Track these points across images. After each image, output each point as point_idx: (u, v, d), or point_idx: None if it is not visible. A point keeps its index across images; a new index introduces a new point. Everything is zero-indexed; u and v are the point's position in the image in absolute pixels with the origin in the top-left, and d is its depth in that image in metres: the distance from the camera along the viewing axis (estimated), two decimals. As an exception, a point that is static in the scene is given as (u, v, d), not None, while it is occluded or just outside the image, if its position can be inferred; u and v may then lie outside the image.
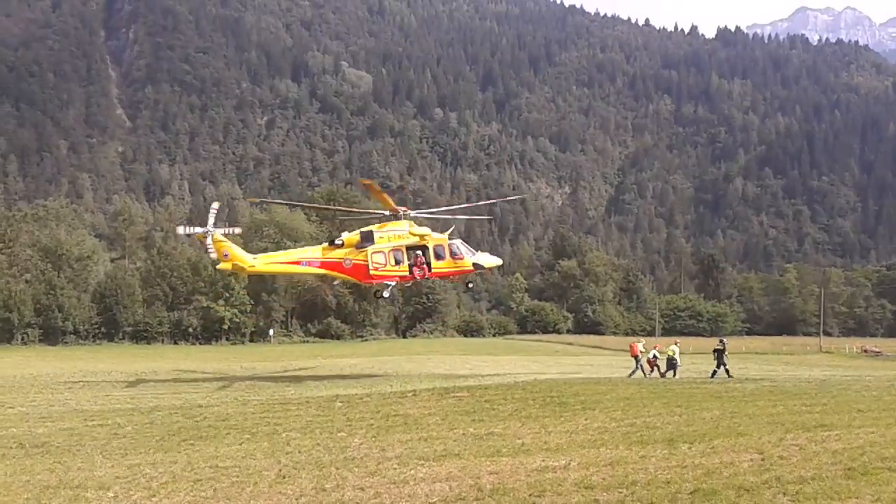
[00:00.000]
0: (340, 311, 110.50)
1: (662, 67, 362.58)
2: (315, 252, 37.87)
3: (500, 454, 16.29)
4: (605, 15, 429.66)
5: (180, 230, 38.50)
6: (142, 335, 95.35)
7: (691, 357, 54.70)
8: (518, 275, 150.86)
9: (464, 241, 39.79)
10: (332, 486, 13.93)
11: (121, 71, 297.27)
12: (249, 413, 24.41)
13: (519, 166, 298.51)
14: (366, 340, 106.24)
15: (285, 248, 54.28)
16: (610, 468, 14.62)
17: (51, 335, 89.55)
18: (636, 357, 39.85)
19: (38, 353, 74.97)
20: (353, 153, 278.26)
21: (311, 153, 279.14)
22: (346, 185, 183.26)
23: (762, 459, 15.09)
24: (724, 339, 41.08)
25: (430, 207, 38.91)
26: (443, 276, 40.15)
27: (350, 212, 48.79)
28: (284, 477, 14.68)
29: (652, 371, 38.99)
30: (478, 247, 45.75)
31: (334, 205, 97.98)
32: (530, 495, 12.96)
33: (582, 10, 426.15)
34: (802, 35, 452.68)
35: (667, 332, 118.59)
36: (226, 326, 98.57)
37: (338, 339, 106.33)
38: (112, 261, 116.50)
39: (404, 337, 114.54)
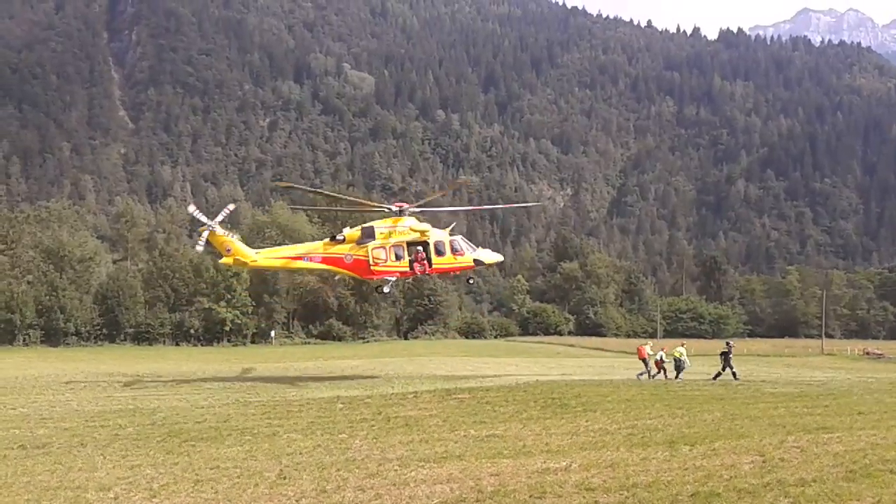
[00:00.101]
0: (342, 312, 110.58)
1: (665, 69, 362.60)
2: (317, 247, 37.93)
3: (501, 456, 16.29)
4: (608, 16, 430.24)
5: (191, 208, 38.43)
6: (143, 336, 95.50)
7: (692, 359, 54.65)
8: (520, 276, 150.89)
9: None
10: (332, 487, 13.93)
11: (123, 73, 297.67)
12: (250, 414, 24.41)
13: (521, 168, 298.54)
14: (367, 342, 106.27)
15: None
16: (611, 470, 14.62)
17: (52, 336, 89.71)
18: (644, 360, 39.78)
19: (40, 354, 75.02)
20: (356, 155, 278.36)
21: (313, 155, 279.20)
22: (349, 186, 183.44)
23: (763, 462, 15.08)
24: (731, 342, 41.11)
25: (436, 228, 38.81)
26: (444, 272, 40.13)
27: (358, 204, 48.74)
28: (285, 478, 14.68)
29: (659, 372, 38.95)
30: (480, 247, 45.74)
31: (336, 205, 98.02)
32: (531, 497, 12.96)
33: (584, 12, 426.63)
34: (805, 37, 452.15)
35: (668, 335, 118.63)
36: (227, 328, 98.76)
37: (339, 340, 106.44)
38: (114, 262, 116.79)
39: (406, 338, 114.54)
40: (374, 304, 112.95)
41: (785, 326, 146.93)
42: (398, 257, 36.62)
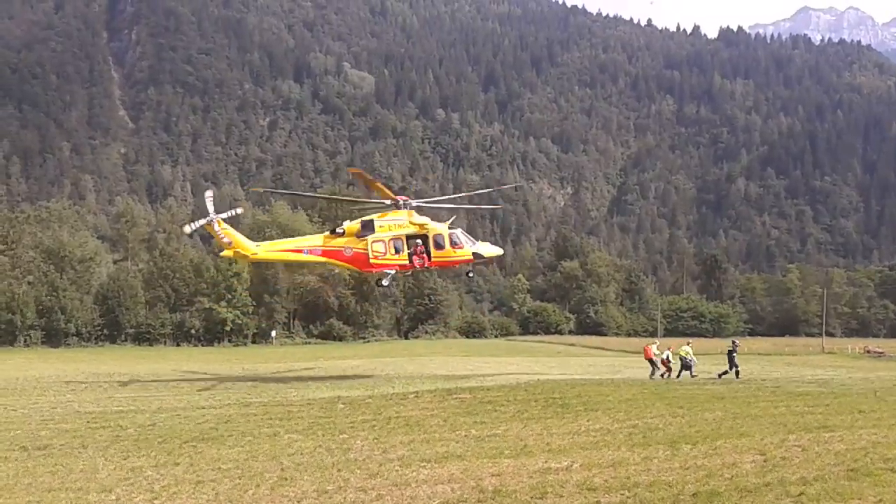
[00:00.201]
0: (342, 312, 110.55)
1: (665, 68, 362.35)
2: (317, 241, 38.44)
3: (502, 456, 16.29)
4: (608, 15, 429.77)
5: (186, 229, 39.23)
6: (144, 337, 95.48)
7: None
8: (520, 275, 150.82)
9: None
10: (333, 487, 13.93)
11: (123, 72, 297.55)
12: (251, 415, 24.41)
13: (521, 167, 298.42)
14: (368, 342, 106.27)
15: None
16: (612, 470, 14.62)
17: (53, 337, 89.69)
18: (651, 360, 39.70)
19: (41, 354, 75.07)
20: (356, 154, 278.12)
21: (313, 154, 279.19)
22: (349, 185, 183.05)
23: (764, 461, 15.09)
24: (737, 340, 41.16)
25: (429, 214, 38.94)
26: (443, 266, 40.32)
27: (353, 201, 49.08)
28: (286, 479, 14.69)
29: (668, 372, 38.94)
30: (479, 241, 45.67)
31: (336, 205, 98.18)
32: (532, 497, 12.97)
33: (584, 11, 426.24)
34: (805, 35, 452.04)
35: (669, 333, 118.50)
36: (228, 328, 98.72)
37: (340, 340, 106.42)
38: (114, 262, 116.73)
39: (406, 338, 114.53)
40: (375, 304, 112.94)
41: (785, 325, 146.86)
42: (397, 250, 36.92)
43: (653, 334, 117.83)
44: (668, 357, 39.23)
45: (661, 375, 38.42)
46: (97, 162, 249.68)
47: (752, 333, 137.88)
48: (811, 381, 36.62)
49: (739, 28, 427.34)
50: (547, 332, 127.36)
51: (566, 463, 15.32)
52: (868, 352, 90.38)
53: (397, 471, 15.11)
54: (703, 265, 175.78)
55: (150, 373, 45.53)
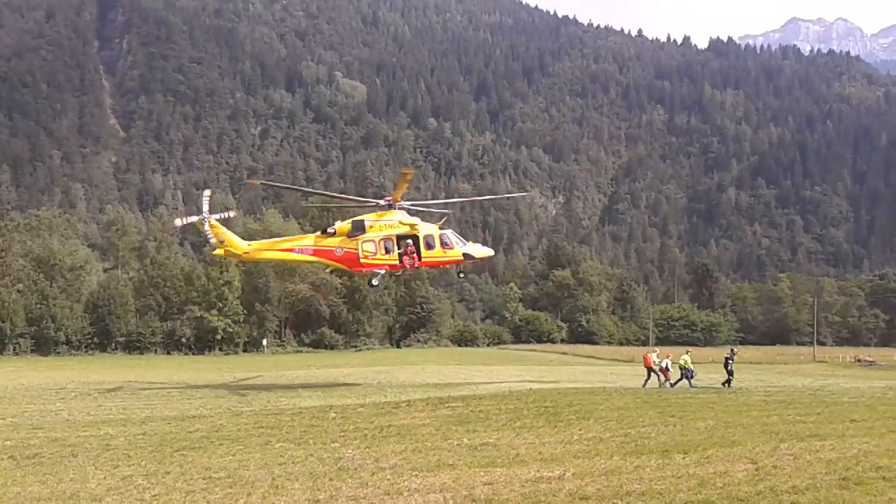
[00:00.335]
0: (334, 321, 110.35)
1: (655, 78, 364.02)
2: (308, 240, 38.68)
3: (494, 464, 16.25)
4: (599, 26, 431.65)
5: (177, 222, 40.48)
6: (134, 345, 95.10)
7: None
8: (512, 284, 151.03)
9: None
10: (325, 496, 13.87)
11: (114, 81, 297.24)
12: (242, 423, 24.31)
13: (513, 176, 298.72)
14: (360, 350, 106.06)
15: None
16: (604, 478, 14.60)
17: (43, 345, 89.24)
18: (650, 368, 39.68)
19: (30, 363, 74.66)
20: (347, 163, 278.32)
21: (304, 163, 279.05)
22: (340, 194, 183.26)
23: (756, 469, 15.10)
24: (735, 349, 41.32)
25: (424, 217, 39.14)
26: (433, 266, 40.62)
27: (344, 199, 49.56)
28: (277, 488, 14.61)
29: (667, 381, 38.96)
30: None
31: (329, 213, 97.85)
32: (525, 506, 12.93)
33: (575, 21, 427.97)
34: (794, 46, 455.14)
35: (661, 342, 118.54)
36: (219, 336, 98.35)
37: (331, 348, 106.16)
38: (105, 271, 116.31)
39: (398, 347, 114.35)
40: (367, 313, 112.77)
41: (776, 334, 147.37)
42: (388, 250, 37.11)
43: (644, 343, 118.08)
44: (667, 366, 39.27)
45: (662, 384, 38.43)
46: (88, 170, 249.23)
47: (743, 342, 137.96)
48: (802, 389, 36.72)
49: (729, 39, 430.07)
50: (539, 340, 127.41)
51: (558, 472, 15.29)
52: (859, 361, 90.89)
53: (389, 480, 15.06)
54: (695, 274, 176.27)
55: (140, 381, 45.30)
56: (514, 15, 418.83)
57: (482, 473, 15.36)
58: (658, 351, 43.17)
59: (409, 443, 19.58)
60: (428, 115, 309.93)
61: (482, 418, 23.95)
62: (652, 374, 39.35)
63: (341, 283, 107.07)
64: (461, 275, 44.85)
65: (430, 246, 37.51)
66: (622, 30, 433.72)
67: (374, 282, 39.02)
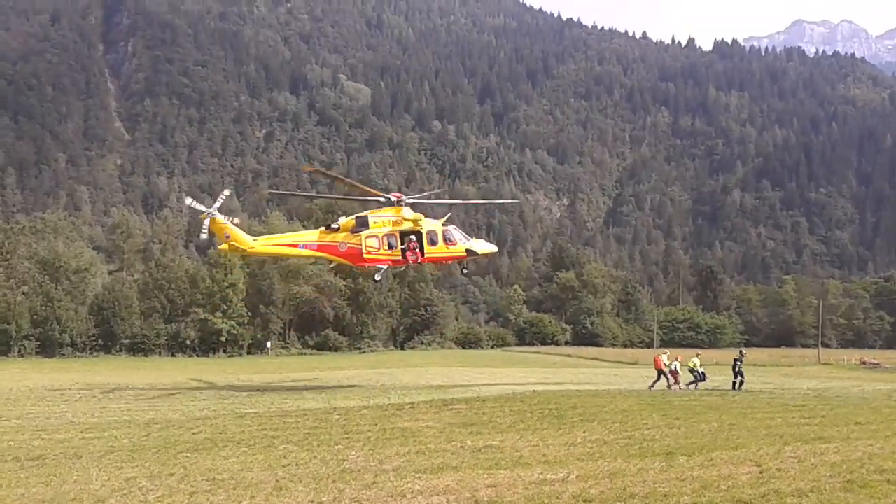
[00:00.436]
0: (338, 323, 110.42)
1: (660, 80, 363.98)
2: (312, 236, 38.94)
3: (498, 467, 16.22)
4: (603, 28, 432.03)
5: (187, 200, 40.74)
6: (139, 347, 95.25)
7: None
8: (516, 286, 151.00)
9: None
10: (328, 499, 13.86)
11: (119, 84, 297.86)
12: (246, 425, 24.30)
13: (517, 178, 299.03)
14: (364, 352, 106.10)
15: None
16: (608, 481, 14.57)
17: (48, 347, 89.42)
18: (660, 370, 39.37)
19: (35, 365, 74.76)
20: (352, 165, 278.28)
21: (309, 165, 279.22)
22: (345, 196, 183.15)
23: (760, 472, 15.06)
24: (744, 351, 41.19)
25: (429, 218, 39.16)
26: (436, 262, 40.71)
27: (355, 186, 49.54)
28: (281, 489, 14.60)
29: (677, 383, 38.79)
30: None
31: (333, 216, 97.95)
32: (528, 508, 12.91)
33: (579, 23, 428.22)
34: (799, 48, 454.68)
35: (665, 344, 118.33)
36: (223, 339, 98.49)
37: (336, 351, 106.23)
38: (110, 273, 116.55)
39: (402, 349, 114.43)
40: (371, 315, 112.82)
41: (781, 336, 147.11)
42: (391, 246, 37.17)
43: (649, 345, 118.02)
44: (676, 368, 39.07)
45: (671, 387, 38.27)
46: (93, 173, 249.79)
47: (747, 344, 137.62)
48: (807, 392, 36.63)
49: (734, 40, 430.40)
50: (543, 342, 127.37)
51: (562, 474, 15.26)
52: (864, 363, 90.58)
53: (392, 482, 15.04)
54: (699, 276, 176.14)
55: (144, 383, 45.35)
56: (517, 17, 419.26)
57: (486, 476, 15.33)
58: (668, 353, 42.88)
59: (413, 445, 19.56)
60: (432, 117, 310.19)
61: (486, 421, 23.91)
62: (661, 376, 39.12)
63: (345, 286, 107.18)
64: (465, 271, 44.86)
65: (433, 242, 37.50)
66: (626, 32, 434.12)
67: (377, 277, 39.68)
